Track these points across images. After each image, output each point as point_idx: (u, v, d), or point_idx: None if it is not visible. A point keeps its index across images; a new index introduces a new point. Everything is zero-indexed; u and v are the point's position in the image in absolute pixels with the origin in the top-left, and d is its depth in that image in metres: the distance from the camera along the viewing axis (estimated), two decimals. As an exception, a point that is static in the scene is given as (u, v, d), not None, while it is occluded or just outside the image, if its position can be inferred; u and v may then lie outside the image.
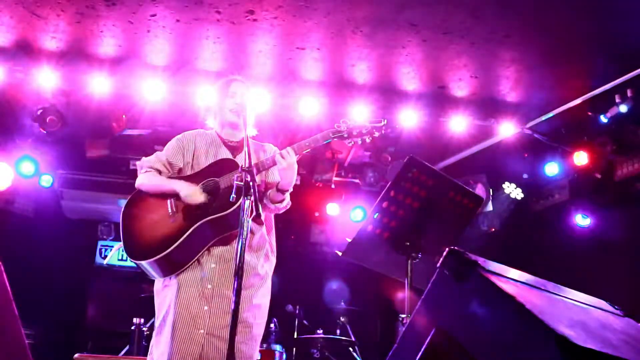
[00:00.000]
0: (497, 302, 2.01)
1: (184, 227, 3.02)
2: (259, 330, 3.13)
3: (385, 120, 3.25)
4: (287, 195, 3.20)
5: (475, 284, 2.09)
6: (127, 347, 6.01)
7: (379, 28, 5.01)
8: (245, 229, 2.57)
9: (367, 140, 3.21)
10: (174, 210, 3.10)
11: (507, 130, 6.48)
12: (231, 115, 3.25)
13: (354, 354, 6.59)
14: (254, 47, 5.40)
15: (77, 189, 7.68)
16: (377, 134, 3.21)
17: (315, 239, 8.58)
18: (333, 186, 7.55)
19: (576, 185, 6.95)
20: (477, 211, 3.48)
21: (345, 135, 3.18)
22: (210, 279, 3.04)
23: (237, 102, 3.24)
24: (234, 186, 2.66)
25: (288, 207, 3.26)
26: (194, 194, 3.05)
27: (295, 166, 3.09)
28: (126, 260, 8.44)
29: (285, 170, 3.06)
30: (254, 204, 2.61)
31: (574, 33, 4.99)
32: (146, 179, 3.21)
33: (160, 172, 3.25)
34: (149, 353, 3.13)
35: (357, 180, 7.67)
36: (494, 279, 2.08)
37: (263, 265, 3.21)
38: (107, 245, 8.65)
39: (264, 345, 5.87)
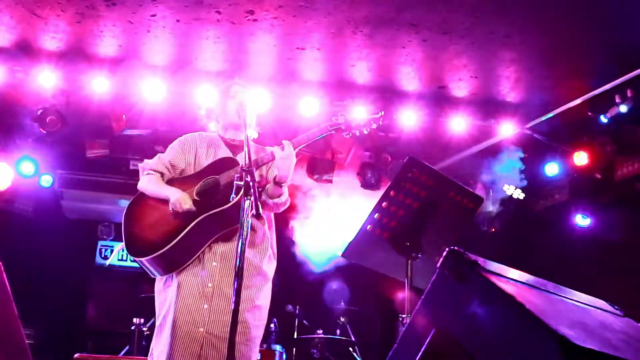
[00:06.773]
0: (497, 302, 2.01)
1: (184, 223, 3.03)
2: (258, 332, 3.13)
3: (383, 112, 3.25)
4: (286, 190, 3.19)
5: (475, 284, 2.08)
6: (127, 347, 6.01)
7: (379, 28, 5.01)
8: (245, 229, 2.57)
9: (365, 132, 3.22)
10: None
11: (507, 130, 6.48)
12: (234, 117, 3.25)
13: (354, 354, 6.58)
14: (254, 47, 5.40)
15: (77, 189, 7.67)
16: (374, 126, 3.21)
17: (315, 239, 8.56)
18: (333, 186, 7.53)
19: (576, 185, 6.94)
20: (477, 211, 3.47)
21: (343, 128, 3.19)
22: (212, 278, 3.03)
23: (238, 103, 3.24)
24: (234, 186, 2.66)
25: (287, 204, 3.25)
26: (182, 200, 3.04)
27: (294, 158, 3.08)
28: (126, 260, 8.44)
29: (283, 160, 3.06)
30: (254, 203, 2.61)
31: (574, 33, 4.99)
32: (146, 183, 3.25)
33: (162, 174, 3.28)
34: (149, 354, 3.12)
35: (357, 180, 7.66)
36: (494, 279, 2.08)
37: (267, 264, 3.21)
38: (107, 245, 8.65)
39: (264, 345, 5.86)
